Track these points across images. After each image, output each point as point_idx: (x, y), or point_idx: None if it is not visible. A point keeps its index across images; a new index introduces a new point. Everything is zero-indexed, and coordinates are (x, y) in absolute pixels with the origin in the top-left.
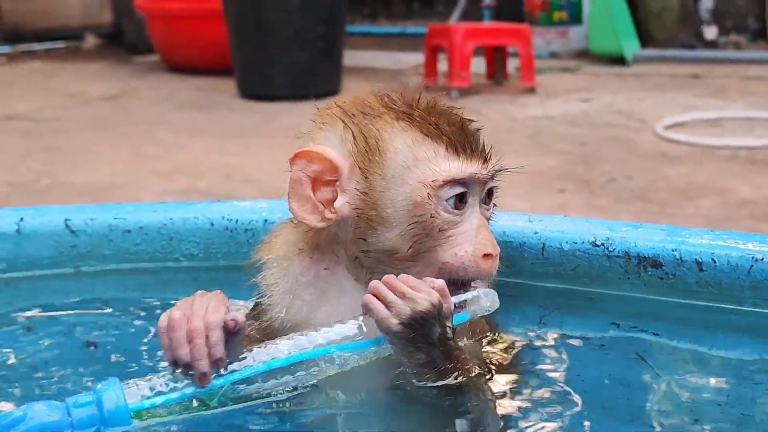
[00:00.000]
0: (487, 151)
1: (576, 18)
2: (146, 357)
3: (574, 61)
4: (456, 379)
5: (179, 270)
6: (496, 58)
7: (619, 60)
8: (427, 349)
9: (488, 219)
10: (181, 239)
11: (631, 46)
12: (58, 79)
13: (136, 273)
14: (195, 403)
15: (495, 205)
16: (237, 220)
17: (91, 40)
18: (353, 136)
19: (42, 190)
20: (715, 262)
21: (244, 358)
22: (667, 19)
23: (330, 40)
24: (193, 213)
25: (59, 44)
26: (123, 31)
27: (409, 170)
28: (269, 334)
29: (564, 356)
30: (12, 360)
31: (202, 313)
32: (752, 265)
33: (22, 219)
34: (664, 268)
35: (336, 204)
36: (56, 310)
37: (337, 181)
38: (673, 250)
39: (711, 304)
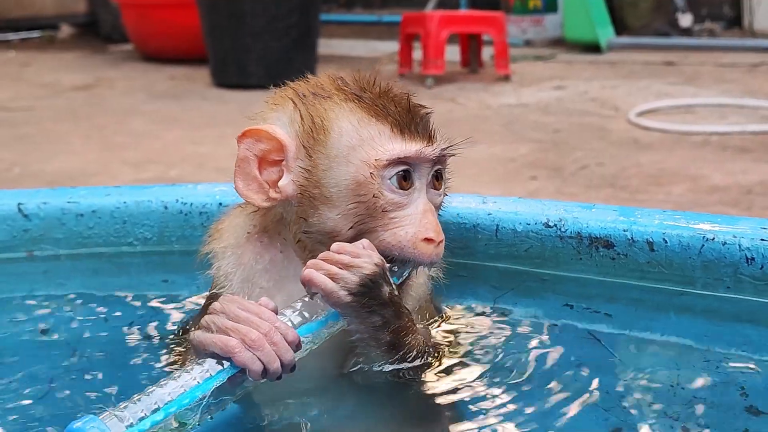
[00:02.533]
0: (433, 132)
1: (551, 6)
2: (100, 342)
3: (549, 49)
4: (409, 344)
5: (133, 254)
6: (471, 46)
7: (593, 48)
8: (380, 310)
9: (439, 205)
10: (135, 223)
11: (605, 33)
12: (32, 68)
13: (89, 257)
14: (174, 424)
15: (446, 193)
16: (191, 204)
17: (65, 30)
18: (301, 116)
19: (13, 179)
20: (666, 242)
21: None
22: (642, 7)
23: (305, 28)
24: (147, 196)
25: (34, 34)
26: (98, 21)
27: (354, 150)
28: None
29: (517, 337)
30: None
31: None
32: (703, 245)
33: None
34: (615, 248)
35: (280, 183)
36: (8, 295)
37: (283, 161)
38: (624, 231)
39: (662, 285)
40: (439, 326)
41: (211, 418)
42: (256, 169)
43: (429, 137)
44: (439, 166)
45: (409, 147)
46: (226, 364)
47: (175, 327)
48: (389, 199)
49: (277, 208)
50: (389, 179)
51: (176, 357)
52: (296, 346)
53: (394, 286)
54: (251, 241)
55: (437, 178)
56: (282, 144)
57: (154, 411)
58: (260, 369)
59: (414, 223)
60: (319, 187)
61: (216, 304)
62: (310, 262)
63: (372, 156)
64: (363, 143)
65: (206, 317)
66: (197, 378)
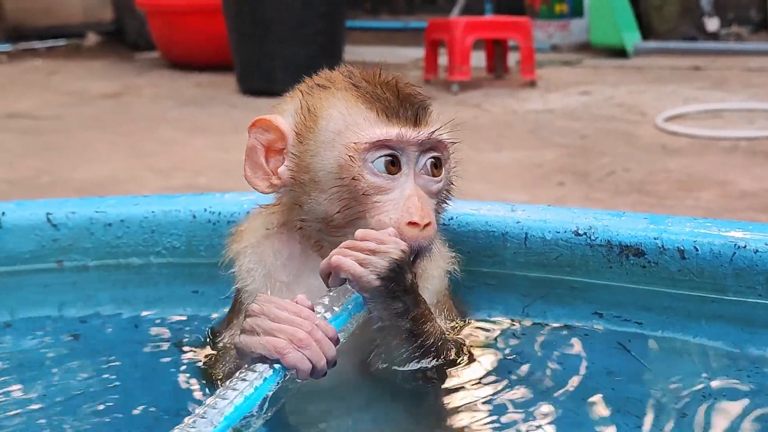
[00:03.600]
0: (420, 117)
1: (577, 11)
2: (129, 350)
3: (575, 54)
4: (428, 331)
5: (161, 263)
6: (496, 51)
7: (620, 52)
8: (403, 297)
9: (435, 192)
10: (163, 232)
11: (632, 38)
12: (59, 77)
13: (118, 267)
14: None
15: (452, 182)
16: (219, 213)
17: (92, 38)
18: (301, 106)
19: (42, 187)
20: (697, 250)
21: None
22: (669, 11)
23: (330, 35)
24: (175, 206)
25: (60, 42)
26: (124, 29)
27: (339, 135)
28: None
29: (546, 346)
30: None
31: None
32: (735, 253)
33: (3, 213)
34: (646, 256)
35: (279, 169)
36: (38, 305)
37: (285, 149)
38: (655, 239)
39: (693, 293)
40: (461, 330)
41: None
42: (263, 157)
43: (415, 121)
44: (435, 153)
45: (390, 131)
46: (277, 366)
47: (203, 335)
48: (371, 183)
49: (287, 199)
50: (372, 162)
51: (209, 358)
52: (336, 342)
53: (414, 274)
54: (270, 238)
55: (435, 166)
56: (283, 133)
57: (222, 423)
58: (309, 368)
59: (397, 207)
60: (308, 172)
61: (254, 306)
62: (336, 249)
63: (353, 139)
64: (348, 128)
65: (248, 320)
66: (254, 383)
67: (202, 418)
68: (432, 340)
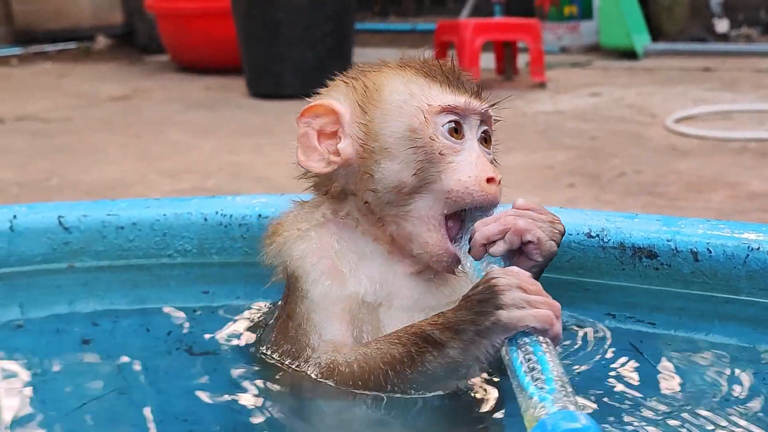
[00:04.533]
0: (480, 90)
1: (586, 13)
2: (141, 353)
3: (585, 55)
4: None
5: (173, 266)
6: (505, 53)
7: (629, 54)
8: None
9: (490, 162)
10: (175, 235)
11: (641, 40)
12: (69, 79)
13: (129, 269)
14: None
15: (495, 160)
16: (231, 216)
17: (102, 41)
18: (354, 87)
19: (51, 189)
20: (710, 251)
21: None
22: (678, 13)
23: (339, 37)
24: (187, 208)
25: (70, 45)
26: (134, 32)
27: (406, 102)
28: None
29: (559, 348)
30: (5, 358)
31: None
32: (748, 255)
33: (15, 216)
34: (659, 258)
35: (339, 146)
36: (50, 307)
37: (338, 130)
38: (668, 240)
39: (707, 294)
40: None
41: None
42: (316, 141)
43: (476, 92)
44: (486, 127)
45: (459, 98)
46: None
47: (212, 338)
48: (445, 144)
49: (340, 179)
50: (442, 126)
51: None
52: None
53: None
54: (327, 224)
55: (485, 140)
56: (337, 113)
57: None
58: (561, 336)
59: (472, 166)
60: (378, 140)
61: (503, 280)
62: (506, 215)
63: (424, 103)
64: (414, 95)
65: (508, 295)
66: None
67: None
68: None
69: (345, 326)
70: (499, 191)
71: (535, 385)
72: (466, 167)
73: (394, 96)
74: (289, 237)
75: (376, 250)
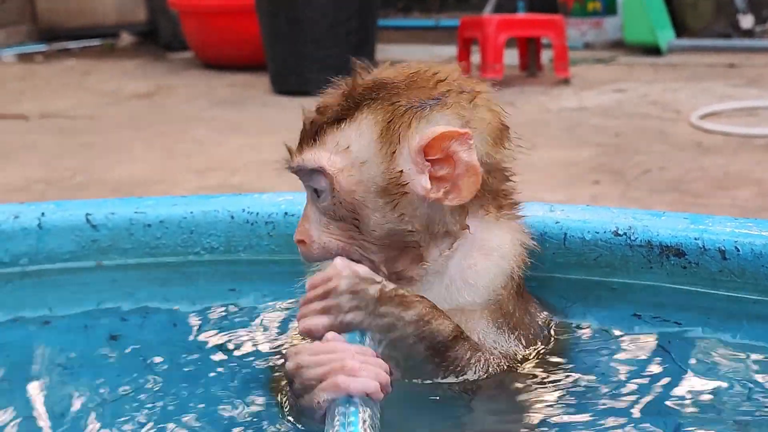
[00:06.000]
0: (303, 143)
1: (610, 8)
2: (168, 351)
3: (609, 51)
4: (438, 329)
5: (200, 263)
6: (529, 49)
7: (654, 50)
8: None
9: (324, 210)
10: (202, 232)
11: (665, 36)
12: (94, 77)
13: (157, 267)
14: None
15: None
16: (257, 213)
17: (126, 38)
18: None
19: (77, 187)
20: (738, 250)
21: None
22: (703, 9)
23: (363, 34)
24: (214, 206)
25: (94, 42)
26: (158, 29)
27: None
28: None
29: (586, 347)
30: (33, 354)
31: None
32: None
33: (43, 214)
34: (687, 256)
35: None
36: (78, 304)
37: None
38: (695, 239)
39: (735, 294)
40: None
41: None
42: None
43: (298, 148)
44: (308, 182)
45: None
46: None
47: (239, 335)
48: None
49: None
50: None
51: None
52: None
53: (382, 280)
54: None
55: (317, 192)
56: None
57: None
58: (378, 387)
59: None
60: None
61: (289, 364)
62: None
63: None
64: None
65: (295, 377)
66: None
67: None
68: (450, 335)
69: None
70: (309, 250)
71: None
72: None
73: None
74: None
75: None
